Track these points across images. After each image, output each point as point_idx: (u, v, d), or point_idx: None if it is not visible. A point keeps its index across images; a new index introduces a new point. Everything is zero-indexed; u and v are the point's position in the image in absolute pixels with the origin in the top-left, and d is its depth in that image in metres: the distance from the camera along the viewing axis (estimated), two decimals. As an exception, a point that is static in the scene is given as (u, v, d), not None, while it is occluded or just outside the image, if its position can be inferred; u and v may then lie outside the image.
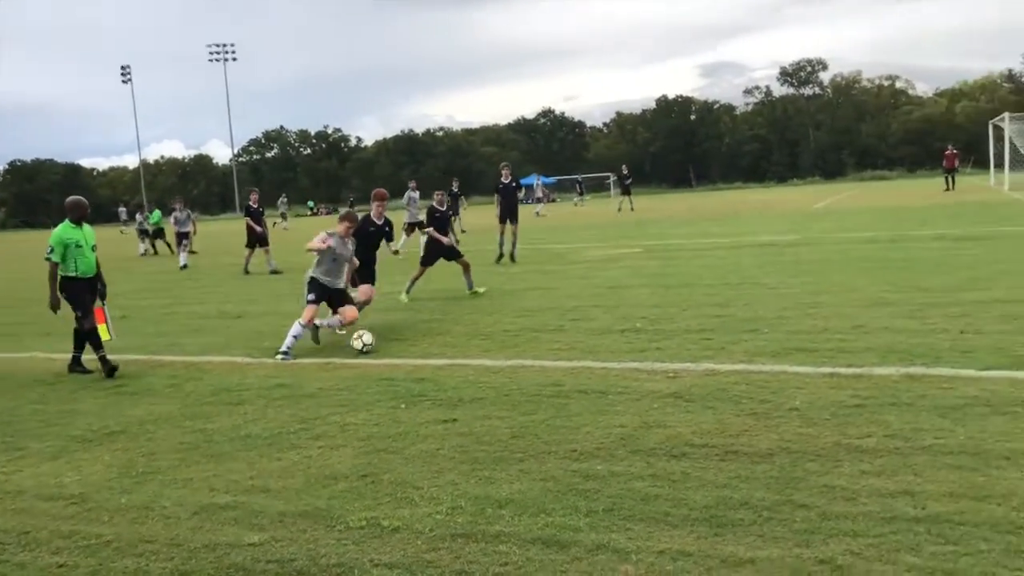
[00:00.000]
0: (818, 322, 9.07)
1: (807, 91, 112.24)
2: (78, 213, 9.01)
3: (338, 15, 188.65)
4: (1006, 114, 39.97)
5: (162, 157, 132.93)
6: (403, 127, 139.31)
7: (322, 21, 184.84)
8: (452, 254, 13.65)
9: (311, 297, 9.59)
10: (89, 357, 8.98)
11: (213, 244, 34.50)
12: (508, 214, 18.92)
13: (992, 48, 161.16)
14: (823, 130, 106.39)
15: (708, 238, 22.14)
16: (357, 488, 4.96)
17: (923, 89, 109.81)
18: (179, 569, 4.05)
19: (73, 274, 8.84)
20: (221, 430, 6.40)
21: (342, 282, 9.92)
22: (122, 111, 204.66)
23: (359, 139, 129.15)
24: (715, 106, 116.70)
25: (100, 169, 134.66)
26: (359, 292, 10.63)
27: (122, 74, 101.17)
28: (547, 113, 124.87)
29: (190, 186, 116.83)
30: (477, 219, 34.95)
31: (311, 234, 10.51)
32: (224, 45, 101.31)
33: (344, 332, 9.93)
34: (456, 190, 30.19)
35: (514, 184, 19.74)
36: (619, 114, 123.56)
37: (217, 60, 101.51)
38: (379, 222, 11.16)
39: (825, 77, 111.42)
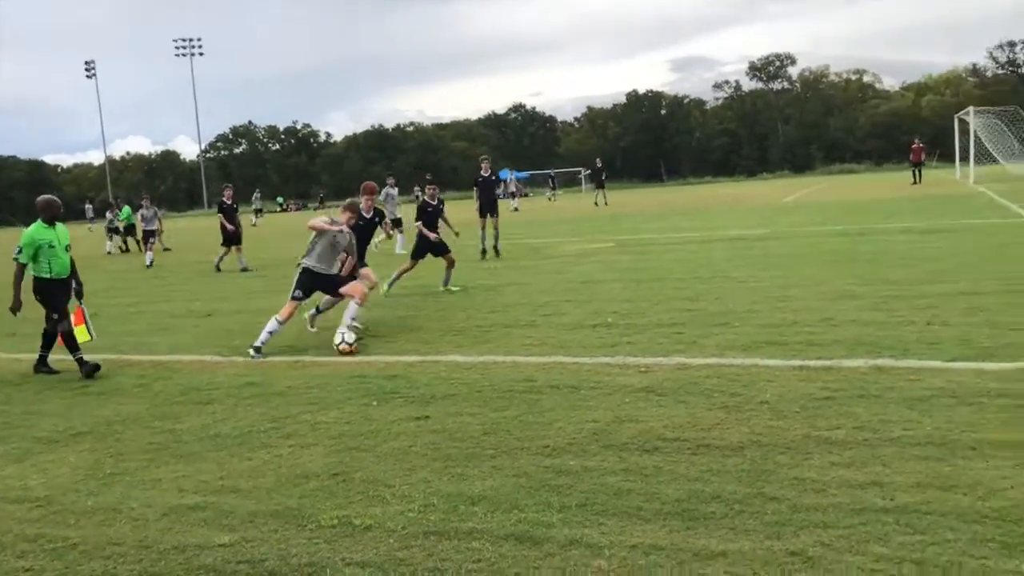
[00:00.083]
0: (788, 315, 9.15)
1: (776, 86, 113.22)
2: (50, 213, 8.79)
3: (306, 9, 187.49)
4: (971, 108, 40.64)
5: (128, 153, 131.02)
6: (373, 122, 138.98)
7: (290, 15, 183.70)
8: (439, 250, 13.55)
9: (297, 294, 9.35)
10: (58, 357, 8.84)
11: (181, 241, 34.14)
12: (489, 207, 18.73)
13: (955, 42, 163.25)
14: (792, 124, 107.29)
15: (679, 232, 22.25)
16: (328, 487, 4.93)
17: (890, 83, 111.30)
18: (148, 571, 4.00)
19: (47, 275, 8.66)
20: (190, 430, 6.34)
21: (335, 269, 9.67)
22: (87, 107, 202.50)
23: (328, 134, 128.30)
24: (685, 100, 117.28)
25: (65, 166, 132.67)
26: (363, 276, 10.38)
27: (86, 69, 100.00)
28: (518, 108, 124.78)
29: (157, 182, 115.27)
30: (454, 214, 34.80)
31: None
32: (190, 39, 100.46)
33: (362, 327, 9.81)
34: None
35: (494, 177, 19.67)
36: (590, 108, 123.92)
37: (184, 55, 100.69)
38: (368, 215, 11.06)
39: (794, 72, 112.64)
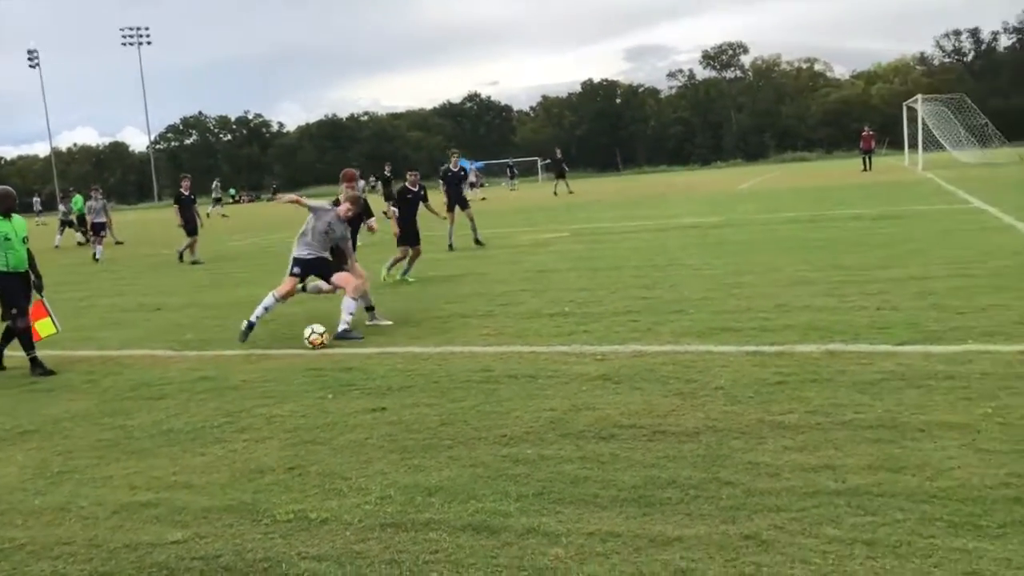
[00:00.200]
0: (741, 302, 9.25)
1: (729, 74, 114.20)
2: (6, 204, 8.51)
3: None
4: (919, 96, 41.43)
5: (75, 145, 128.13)
6: (326, 112, 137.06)
7: (240, 2, 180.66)
8: (413, 239, 13.55)
9: (296, 270, 9.19)
10: (12, 354, 8.63)
11: (132, 235, 33.51)
12: (458, 201, 18.58)
13: (904, 31, 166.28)
14: (745, 112, 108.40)
15: (635, 221, 22.37)
16: (284, 481, 4.88)
17: (840, 72, 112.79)
18: (98, 571, 3.92)
19: (4, 269, 8.38)
20: (142, 426, 6.22)
21: (327, 252, 9.44)
22: (30, 97, 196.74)
23: (281, 124, 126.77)
24: (640, 90, 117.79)
25: (9, 158, 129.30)
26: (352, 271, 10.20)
27: (29, 59, 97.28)
28: (473, 97, 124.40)
29: (106, 174, 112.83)
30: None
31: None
32: (137, 28, 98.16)
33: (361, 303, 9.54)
34: (388, 174, 29.87)
35: (462, 172, 19.58)
36: (545, 98, 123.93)
37: (131, 44, 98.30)
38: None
39: (746, 60, 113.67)
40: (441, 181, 19.09)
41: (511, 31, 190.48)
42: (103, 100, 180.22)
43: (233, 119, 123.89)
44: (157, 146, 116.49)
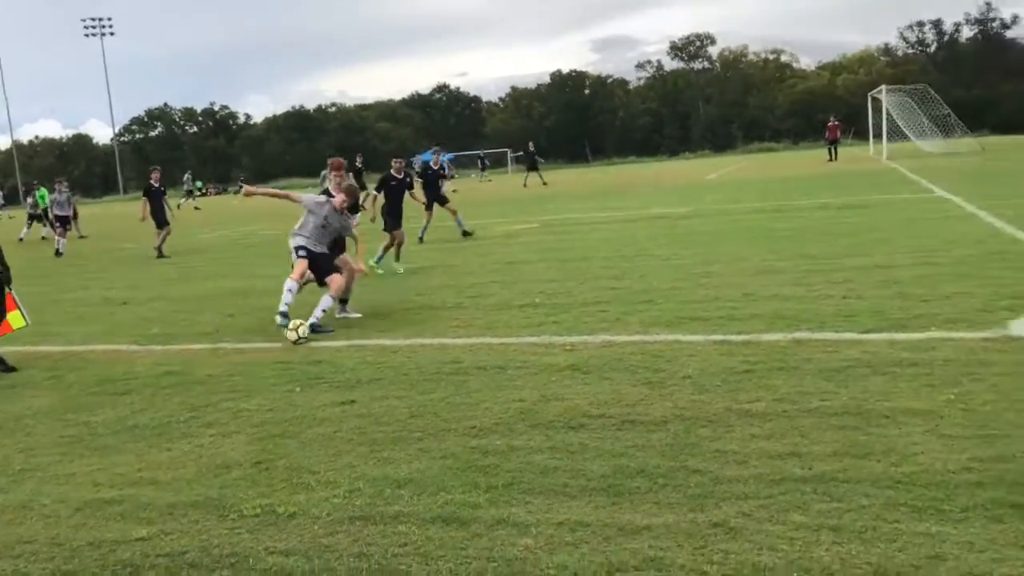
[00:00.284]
0: (709, 291, 9.30)
1: (696, 65, 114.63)
2: None
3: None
4: (883, 87, 41.91)
5: (37, 137, 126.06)
6: (294, 103, 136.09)
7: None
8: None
9: (302, 253, 9.07)
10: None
11: (97, 228, 33.02)
12: (435, 199, 18.34)
13: (868, 22, 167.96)
14: (712, 103, 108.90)
15: (604, 212, 22.43)
16: (251, 475, 4.83)
17: (806, 63, 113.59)
18: (61, 569, 3.86)
19: None
20: (106, 422, 6.13)
21: (325, 247, 9.34)
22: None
23: (248, 116, 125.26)
24: (608, 81, 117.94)
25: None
26: (342, 263, 10.10)
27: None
28: (442, 88, 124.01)
29: (70, 167, 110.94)
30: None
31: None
32: (100, 19, 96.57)
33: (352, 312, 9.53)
34: (360, 165, 29.69)
35: (442, 171, 19.48)
36: (514, 89, 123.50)
37: (93, 35, 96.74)
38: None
39: (714, 51, 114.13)
40: (420, 179, 18.56)
41: (480, 22, 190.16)
42: (66, 92, 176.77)
43: (199, 111, 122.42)
44: (122, 138, 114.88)
